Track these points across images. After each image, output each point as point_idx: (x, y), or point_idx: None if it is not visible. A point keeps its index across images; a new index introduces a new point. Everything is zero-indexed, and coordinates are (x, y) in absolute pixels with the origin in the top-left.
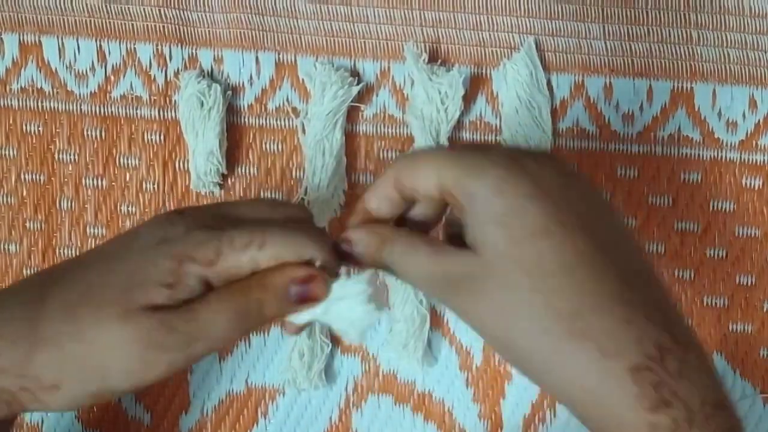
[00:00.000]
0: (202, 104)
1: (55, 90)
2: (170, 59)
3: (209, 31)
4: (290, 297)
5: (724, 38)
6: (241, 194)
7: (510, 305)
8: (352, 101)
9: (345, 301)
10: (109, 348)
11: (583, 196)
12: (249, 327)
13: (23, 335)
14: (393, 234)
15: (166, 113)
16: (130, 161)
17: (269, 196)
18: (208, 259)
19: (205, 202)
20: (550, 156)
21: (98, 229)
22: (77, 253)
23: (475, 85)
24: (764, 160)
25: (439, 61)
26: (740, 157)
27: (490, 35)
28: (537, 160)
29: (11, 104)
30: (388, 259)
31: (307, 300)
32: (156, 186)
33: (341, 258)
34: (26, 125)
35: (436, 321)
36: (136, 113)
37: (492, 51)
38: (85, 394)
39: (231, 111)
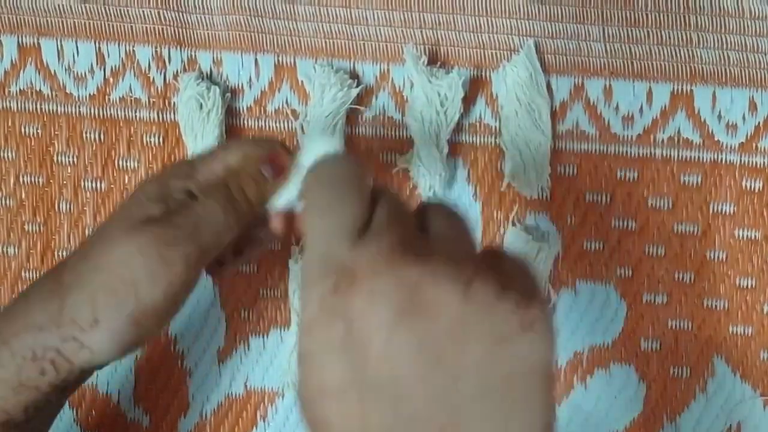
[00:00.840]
0: (201, 106)
1: (53, 92)
2: (169, 61)
3: (208, 33)
4: (266, 176)
5: (724, 40)
6: None
7: None
8: (351, 103)
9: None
10: (128, 262)
11: (422, 347)
12: (241, 211)
13: (52, 290)
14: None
15: (165, 115)
16: (129, 163)
17: None
18: (186, 172)
19: None
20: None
21: None
22: None
23: (474, 88)
24: (764, 162)
25: (439, 63)
26: (740, 160)
27: (489, 37)
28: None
29: (10, 106)
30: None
31: (278, 172)
32: None
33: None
34: (25, 127)
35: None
36: (135, 115)
37: (492, 53)
38: (125, 320)
39: (230, 113)
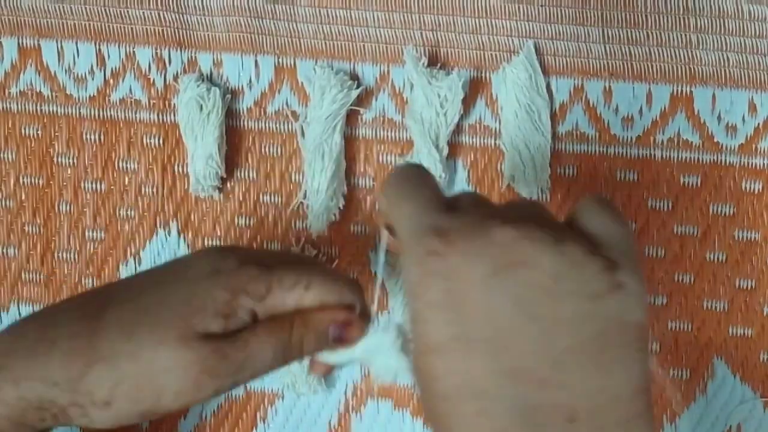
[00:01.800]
0: (201, 108)
1: (54, 93)
2: (169, 63)
3: (208, 34)
4: (329, 336)
5: (723, 42)
6: (241, 198)
7: None
8: (351, 105)
9: (377, 347)
10: (166, 370)
11: (519, 300)
12: (289, 359)
13: (80, 351)
14: None
15: (165, 117)
16: (129, 165)
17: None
18: (260, 294)
19: (204, 206)
20: (501, 234)
21: (97, 232)
22: (76, 258)
23: (474, 89)
24: (764, 164)
25: (439, 64)
26: (740, 161)
27: (489, 39)
28: (477, 244)
29: (10, 108)
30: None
31: (342, 341)
32: (155, 190)
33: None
34: (25, 129)
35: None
36: (135, 117)
37: (491, 54)
38: (135, 412)
39: (230, 114)
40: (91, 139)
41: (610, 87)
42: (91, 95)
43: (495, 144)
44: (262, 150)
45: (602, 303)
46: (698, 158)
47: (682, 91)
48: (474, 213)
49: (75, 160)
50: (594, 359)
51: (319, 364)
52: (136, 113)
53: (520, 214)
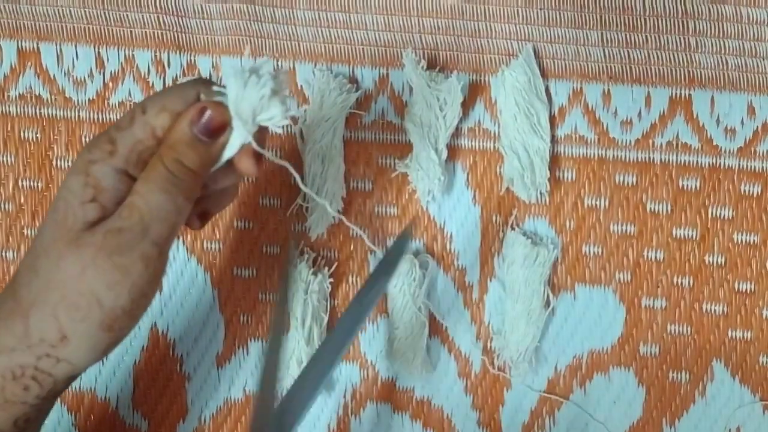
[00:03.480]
0: None
1: (53, 96)
2: (168, 66)
3: (207, 38)
4: (198, 138)
5: (722, 45)
6: (240, 201)
7: None
8: (350, 108)
9: (250, 98)
10: (79, 275)
11: None
12: (186, 187)
13: (11, 311)
14: None
15: None
16: None
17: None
18: (106, 150)
19: None
20: None
21: None
22: None
23: (473, 92)
24: (762, 166)
25: (438, 68)
26: (739, 164)
27: (488, 42)
28: None
29: (9, 111)
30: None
31: (215, 129)
32: None
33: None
34: (24, 132)
35: (435, 328)
36: None
37: (490, 58)
38: (93, 330)
39: None
40: None
41: (608, 90)
42: (90, 98)
43: (494, 147)
44: None
45: None
46: (697, 161)
47: (680, 94)
48: None
49: None
50: None
51: (245, 157)
52: None
53: None
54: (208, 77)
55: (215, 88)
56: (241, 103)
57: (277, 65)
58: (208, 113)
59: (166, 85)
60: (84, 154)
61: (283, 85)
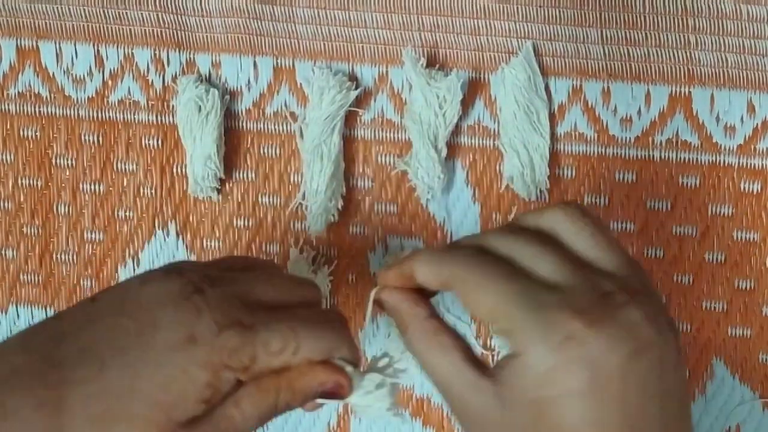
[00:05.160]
0: (199, 109)
1: (52, 95)
2: (168, 64)
3: (207, 35)
4: (316, 398)
5: (722, 43)
6: (239, 199)
7: None
8: (350, 106)
9: (365, 396)
10: None
11: (645, 382)
12: (272, 418)
13: (47, 421)
14: (418, 321)
15: (163, 118)
16: (127, 166)
17: (285, 271)
18: (244, 365)
19: (203, 207)
20: (633, 313)
21: (96, 234)
22: (74, 259)
23: (473, 90)
24: (762, 164)
25: (438, 65)
26: (738, 162)
27: (488, 40)
28: (609, 328)
29: (8, 109)
30: (408, 345)
31: (331, 399)
32: (153, 191)
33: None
34: (23, 130)
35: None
36: (134, 118)
37: (490, 55)
38: None
39: (229, 116)
40: (89, 140)
41: (608, 88)
42: (90, 96)
43: (494, 145)
44: (261, 151)
45: (681, 366)
46: (697, 159)
47: (680, 91)
48: (586, 289)
49: (73, 162)
50: (679, 410)
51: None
52: (134, 114)
53: (630, 284)
54: (345, 321)
55: (351, 350)
56: (360, 399)
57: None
58: (339, 389)
59: (166, 84)
60: (221, 354)
61: (395, 395)
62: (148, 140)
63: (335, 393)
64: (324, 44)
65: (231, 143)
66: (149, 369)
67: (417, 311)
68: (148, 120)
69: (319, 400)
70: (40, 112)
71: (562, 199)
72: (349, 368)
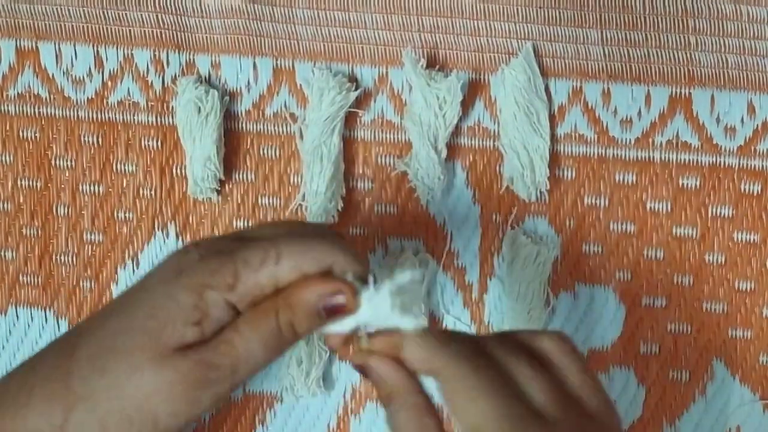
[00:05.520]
0: (199, 110)
1: (52, 96)
2: (167, 65)
3: (206, 36)
4: (320, 313)
5: (722, 43)
6: (239, 200)
7: None
8: (350, 107)
9: (379, 306)
10: (151, 395)
11: None
12: (285, 346)
13: (57, 395)
14: (406, 396)
15: (163, 119)
16: (127, 167)
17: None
18: (227, 283)
19: (202, 209)
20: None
21: (95, 235)
22: (74, 260)
23: (473, 91)
24: (763, 165)
25: (437, 66)
26: (739, 163)
27: (488, 41)
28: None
29: (8, 110)
30: (390, 417)
31: (337, 313)
32: (153, 192)
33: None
34: (23, 131)
35: (434, 328)
36: (134, 119)
37: (490, 56)
38: None
39: (228, 117)
40: (89, 141)
41: (608, 89)
42: (89, 97)
43: (494, 146)
44: (261, 152)
45: None
46: (697, 160)
47: (680, 92)
48: (570, 429)
49: (73, 163)
50: None
51: (332, 336)
52: (134, 115)
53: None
54: (339, 235)
55: (350, 259)
56: (374, 309)
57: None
58: (340, 297)
59: (166, 85)
60: (203, 274)
61: (418, 296)
62: (148, 141)
63: (339, 307)
64: (324, 45)
65: (231, 144)
66: (143, 305)
67: (407, 386)
68: (148, 121)
69: (329, 328)
70: (39, 113)
71: (563, 201)
72: (349, 276)
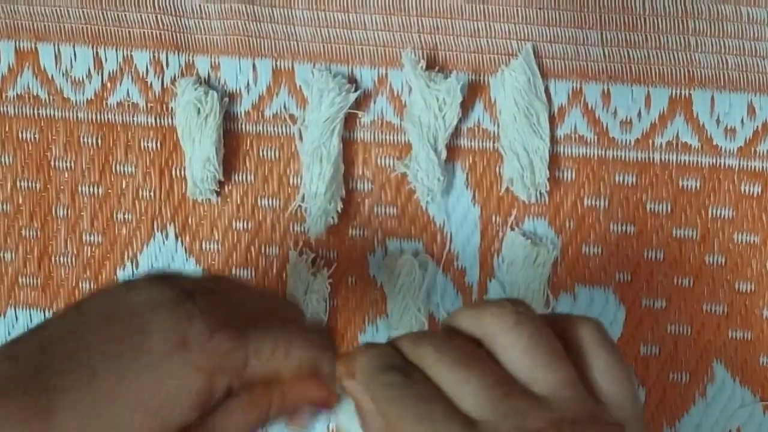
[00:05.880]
0: (198, 111)
1: (51, 97)
2: (167, 66)
3: (206, 38)
4: (303, 413)
5: (722, 45)
6: (238, 202)
7: None
8: (349, 108)
9: (350, 415)
10: None
11: None
12: (261, 427)
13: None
14: (377, 421)
15: (162, 120)
16: (126, 168)
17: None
18: (237, 369)
19: (202, 210)
20: None
21: (94, 236)
22: (73, 261)
23: (472, 92)
24: (763, 166)
25: (437, 67)
26: (739, 164)
27: (487, 42)
28: None
29: (7, 111)
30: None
31: (319, 410)
32: (152, 193)
33: None
34: (22, 132)
35: (434, 329)
36: (133, 120)
37: (490, 58)
38: None
39: (228, 118)
40: (88, 142)
41: (608, 90)
42: (89, 99)
43: (493, 147)
44: (260, 153)
45: None
46: (697, 161)
47: (680, 93)
48: (507, 428)
49: (72, 164)
50: None
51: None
52: (133, 117)
53: (568, 412)
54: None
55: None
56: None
57: None
58: (332, 402)
59: (165, 86)
60: (215, 356)
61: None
62: (147, 142)
63: (323, 408)
64: (323, 46)
65: (230, 145)
66: (141, 375)
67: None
68: (147, 122)
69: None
70: (38, 114)
71: (563, 202)
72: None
